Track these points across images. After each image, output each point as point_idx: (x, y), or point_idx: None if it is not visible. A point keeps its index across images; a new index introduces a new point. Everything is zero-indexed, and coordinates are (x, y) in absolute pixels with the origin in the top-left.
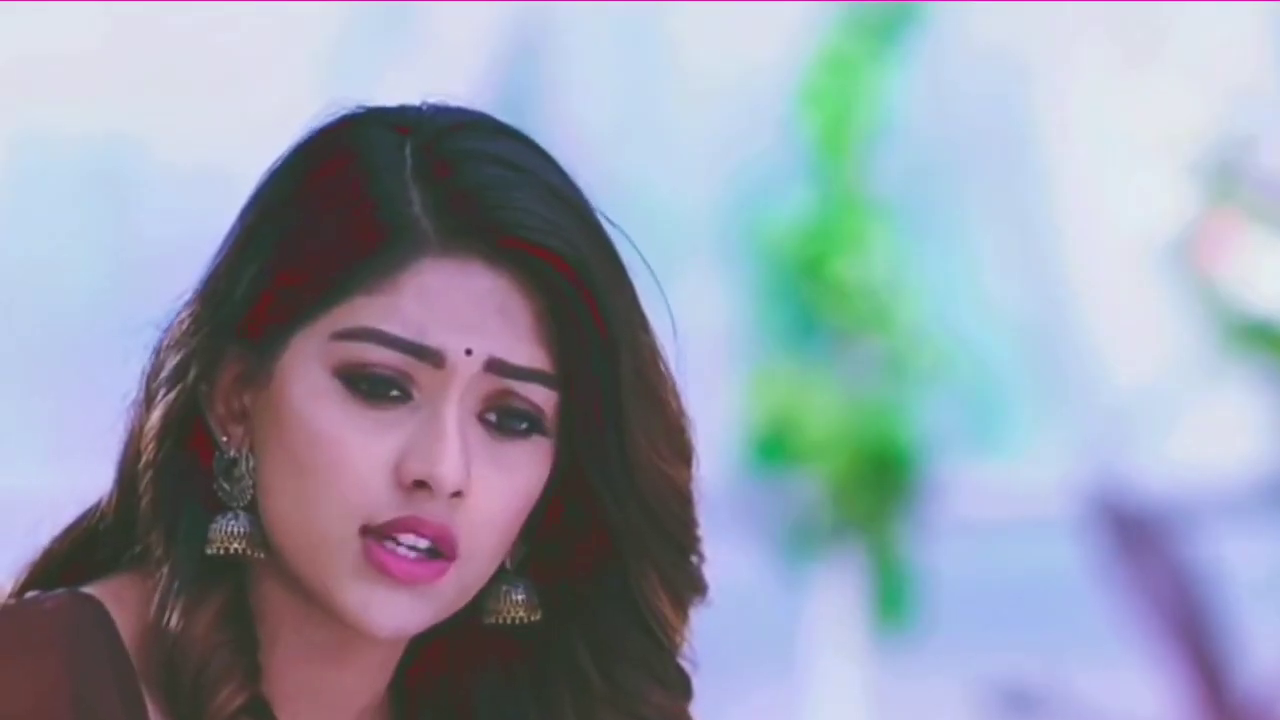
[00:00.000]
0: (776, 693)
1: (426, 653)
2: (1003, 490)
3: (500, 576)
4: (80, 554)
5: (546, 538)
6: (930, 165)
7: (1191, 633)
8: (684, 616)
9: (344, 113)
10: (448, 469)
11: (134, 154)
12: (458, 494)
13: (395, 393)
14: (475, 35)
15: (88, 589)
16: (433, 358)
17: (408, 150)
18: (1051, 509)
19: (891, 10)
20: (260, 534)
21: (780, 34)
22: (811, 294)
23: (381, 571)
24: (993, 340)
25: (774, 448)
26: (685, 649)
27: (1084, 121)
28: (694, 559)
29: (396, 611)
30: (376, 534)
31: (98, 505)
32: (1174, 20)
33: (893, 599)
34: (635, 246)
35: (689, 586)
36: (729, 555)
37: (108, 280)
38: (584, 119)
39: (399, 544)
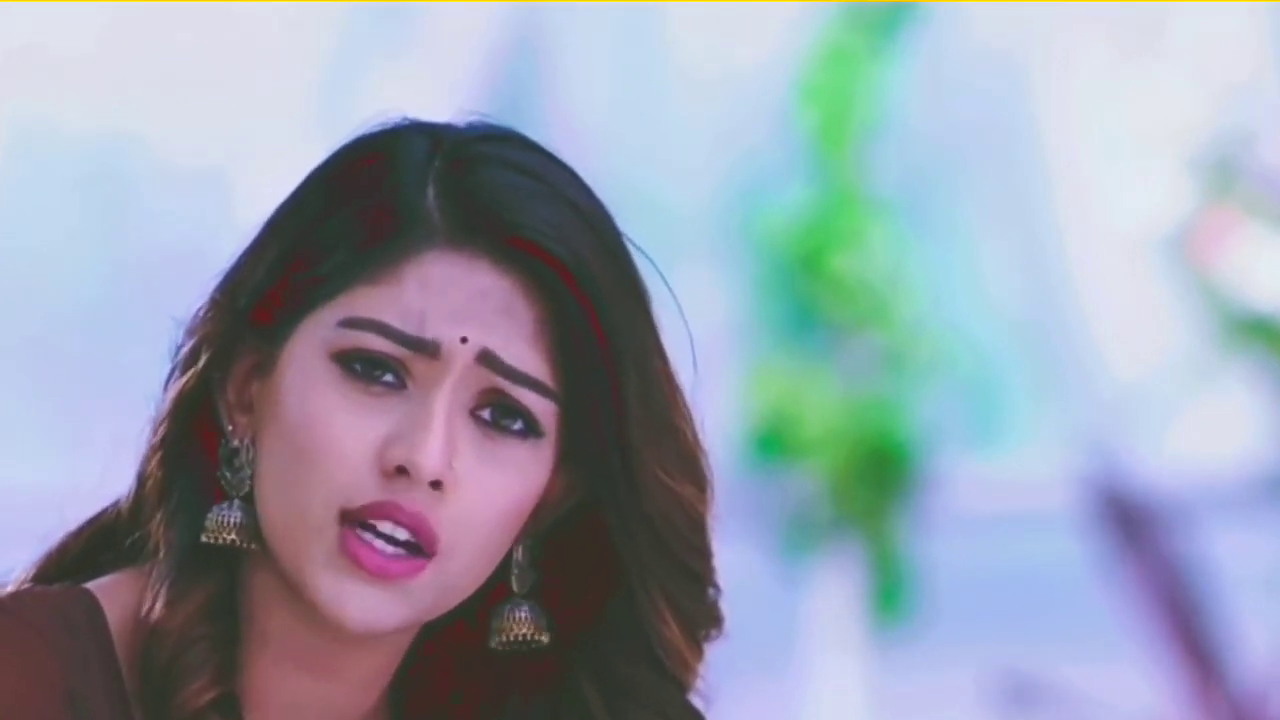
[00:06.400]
0: (775, 687)
1: (434, 678)
2: (1001, 484)
3: (506, 598)
4: (97, 549)
5: (558, 565)
6: (928, 160)
7: (1188, 626)
8: (697, 651)
9: (388, 121)
10: (428, 456)
11: (133, 152)
12: (438, 484)
13: (389, 377)
14: (473, 32)
15: (87, 584)
16: (429, 349)
17: (437, 156)
18: (1049, 503)
19: (890, 5)
20: (255, 526)
21: (779, 29)
22: (810, 289)
23: (355, 564)
24: (991, 335)
25: (772, 442)
26: (699, 684)
27: (1082, 117)
28: (710, 590)
29: (369, 606)
30: (354, 520)
31: (116, 501)
32: (1172, 16)
33: (891, 593)
34: (660, 272)
35: (703, 618)
36: (727, 550)
37: (106, 277)
38: (582, 114)
39: (376, 534)
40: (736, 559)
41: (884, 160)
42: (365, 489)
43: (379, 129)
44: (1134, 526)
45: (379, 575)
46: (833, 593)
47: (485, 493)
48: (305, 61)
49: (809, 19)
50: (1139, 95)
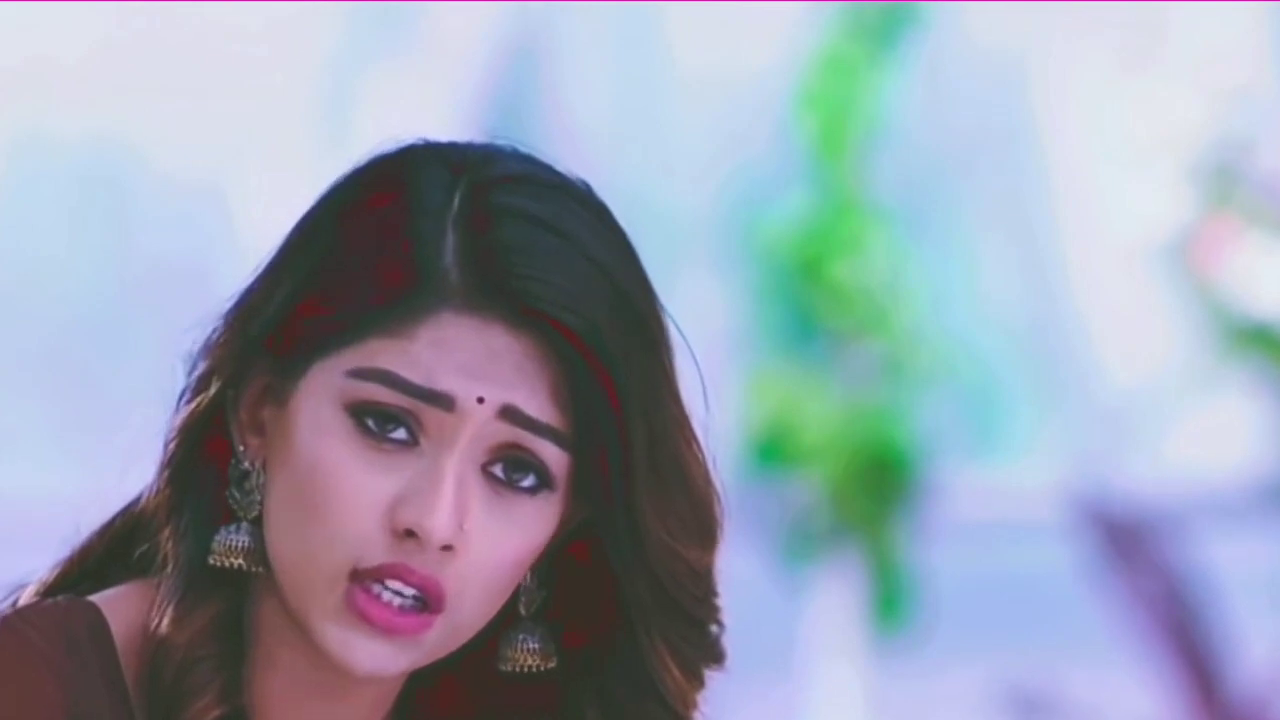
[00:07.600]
0: (776, 695)
1: (440, 695)
2: (1000, 492)
3: (516, 624)
4: (117, 552)
5: (565, 584)
6: (928, 168)
7: (1186, 635)
8: (698, 684)
9: (404, 144)
10: (438, 522)
11: (131, 160)
12: (448, 548)
13: (401, 433)
14: (473, 35)
15: (92, 597)
16: (442, 401)
17: (457, 193)
18: (1049, 511)
19: (889, 12)
20: (262, 550)
21: (778, 36)
22: (809, 296)
23: (363, 619)
24: (991, 343)
25: (772, 450)
26: (697, 715)
27: (1082, 124)
28: (712, 629)
29: (376, 656)
30: (363, 579)
31: (136, 503)
32: (1172, 23)
33: (891, 601)
34: (676, 323)
35: (702, 658)
36: (728, 558)
37: (105, 284)
38: (582, 120)
39: (385, 588)
40: (736, 567)
41: (883, 167)
42: (375, 549)
43: (396, 153)
44: (1133, 535)
45: (387, 630)
46: (833, 601)
47: (494, 548)
48: (304, 65)
49: (808, 25)
50: (1138, 102)
